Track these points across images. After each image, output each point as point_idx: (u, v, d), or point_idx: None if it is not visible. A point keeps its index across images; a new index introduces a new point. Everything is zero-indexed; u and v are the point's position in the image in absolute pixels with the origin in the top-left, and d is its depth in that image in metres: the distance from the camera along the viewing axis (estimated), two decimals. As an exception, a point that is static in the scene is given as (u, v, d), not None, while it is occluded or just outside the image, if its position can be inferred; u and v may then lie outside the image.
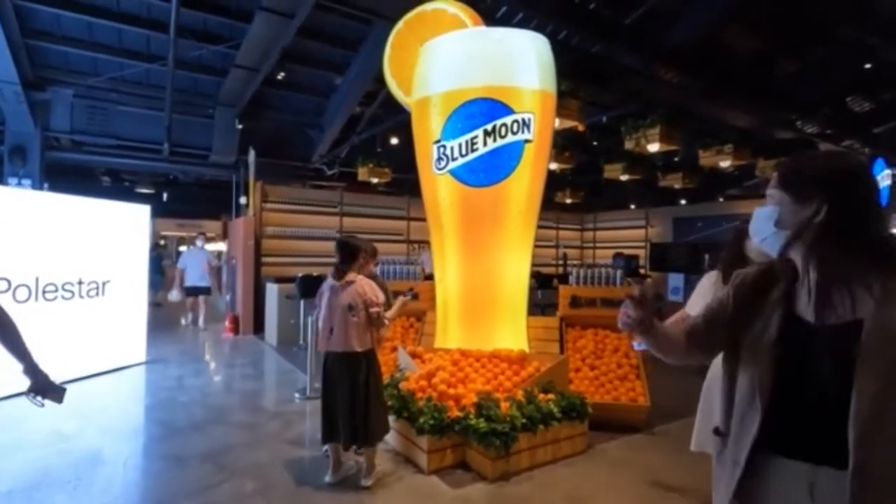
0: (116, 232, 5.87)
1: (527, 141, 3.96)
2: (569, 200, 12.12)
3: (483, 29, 4.14)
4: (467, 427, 3.15)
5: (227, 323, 8.37)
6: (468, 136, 4.03)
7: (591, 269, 4.64)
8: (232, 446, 3.62)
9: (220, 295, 11.92)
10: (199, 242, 8.87)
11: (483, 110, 4.00)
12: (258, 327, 8.45)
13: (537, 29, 4.51)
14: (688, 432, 2.57)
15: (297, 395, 4.94)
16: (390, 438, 3.62)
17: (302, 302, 7.36)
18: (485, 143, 4.00)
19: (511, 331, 4.03)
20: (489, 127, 3.98)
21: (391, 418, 3.54)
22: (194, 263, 8.55)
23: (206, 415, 4.33)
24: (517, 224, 4.00)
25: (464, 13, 4.12)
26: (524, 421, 3.20)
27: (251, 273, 8.50)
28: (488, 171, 4.01)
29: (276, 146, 9.22)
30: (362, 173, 9.09)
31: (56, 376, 1.93)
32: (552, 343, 4.36)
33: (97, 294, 5.59)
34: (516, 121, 3.95)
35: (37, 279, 4.92)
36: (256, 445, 3.65)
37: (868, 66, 7.23)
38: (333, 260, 3.18)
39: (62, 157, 8.31)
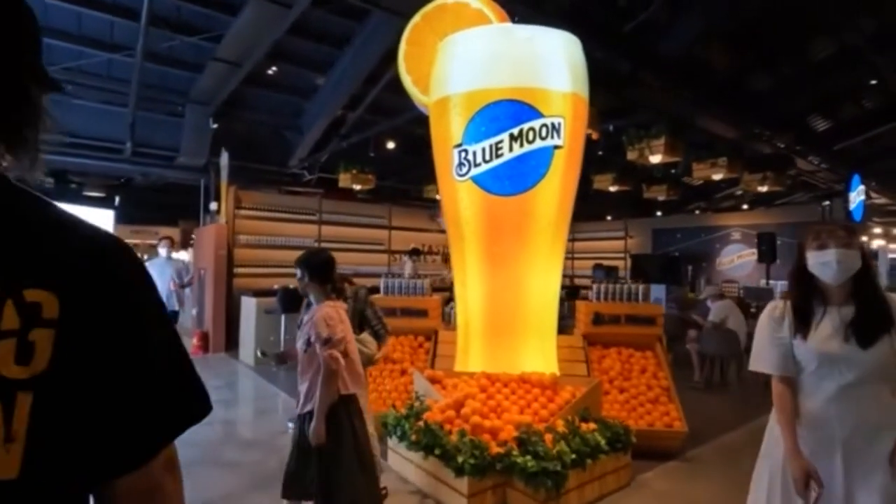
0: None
1: (556, 147, 3.67)
2: (549, 211, 11.99)
3: (509, 26, 3.85)
4: (512, 465, 2.79)
5: (194, 340, 7.64)
6: (492, 141, 3.71)
7: (614, 283, 4.40)
8: (229, 495, 3.10)
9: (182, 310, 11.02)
10: (162, 251, 7.45)
11: (509, 113, 3.69)
12: (230, 344, 7.77)
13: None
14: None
15: (289, 423, 4.40)
16: (415, 477, 3.22)
17: (283, 317, 6.80)
18: (510, 149, 3.69)
19: (539, 352, 3.70)
20: (515, 131, 3.68)
21: (417, 455, 3.15)
22: (158, 280, 7.70)
23: (188, 453, 3.73)
24: (546, 236, 3.70)
25: (488, 8, 3.82)
26: (573, 456, 2.87)
27: (223, 285, 7.82)
28: (514, 178, 3.70)
29: (249, 148, 8.59)
30: (344, 179, 8.60)
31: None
32: (577, 364, 4.06)
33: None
34: (545, 125, 3.66)
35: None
36: (259, 490, 3.14)
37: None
38: None
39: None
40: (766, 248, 8.45)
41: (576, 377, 3.77)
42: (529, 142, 3.68)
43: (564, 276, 12.43)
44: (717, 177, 7.27)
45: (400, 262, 10.30)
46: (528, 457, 2.80)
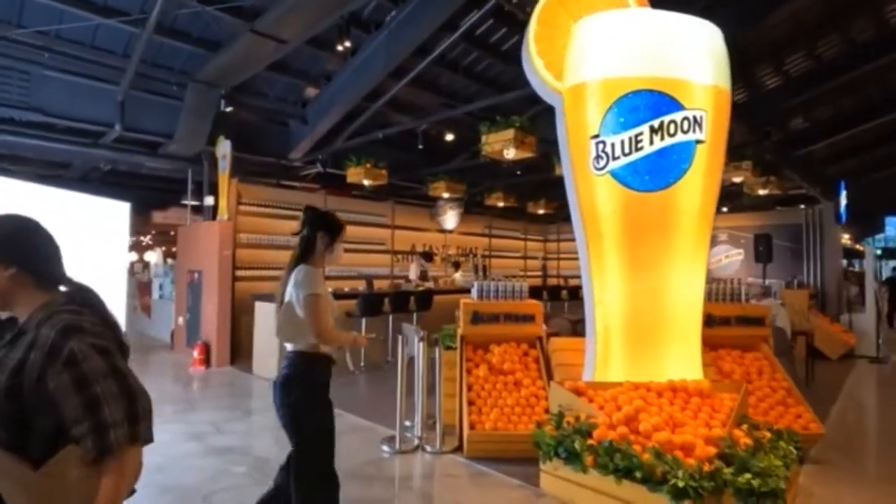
0: (90, 235, 4.26)
1: (698, 141, 3.48)
2: (542, 211, 11.99)
3: (649, 11, 3.61)
4: (736, 486, 2.54)
5: (195, 353, 6.70)
6: (632, 133, 3.47)
7: (716, 282, 4.31)
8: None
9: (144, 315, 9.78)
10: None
11: (649, 104, 3.46)
12: (235, 356, 6.91)
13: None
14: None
15: (384, 447, 3.89)
16: (595, 504, 2.88)
17: (311, 325, 6.12)
18: (651, 142, 3.46)
19: (684, 358, 3.50)
20: (656, 123, 3.46)
21: (599, 479, 2.81)
22: None
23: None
24: (689, 235, 3.50)
25: (628, -10, 3.56)
26: (787, 472, 2.68)
27: (227, 290, 6.94)
28: (655, 173, 3.47)
29: (246, 138, 7.70)
30: (354, 174, 7.95)
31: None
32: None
33: (68, 326, 3.96)
34: (686, 118, 3.47)
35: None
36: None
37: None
38: None
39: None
40: (763, 249, 8.91)
41: (718, 383, 3.60)
42: (670, 135, 3.47)
43: (561, 276, 12.48)
44: (737, 179, 7.52)
45: (408, 263, 9.79)
46: (748, 475, 2.57)
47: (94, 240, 4.28)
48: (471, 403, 3.72)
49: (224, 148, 7.20)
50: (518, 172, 9.60)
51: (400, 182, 9.80)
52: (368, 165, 7.89)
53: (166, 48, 6.34)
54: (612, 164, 3.48)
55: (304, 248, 2.27)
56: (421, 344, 4.20)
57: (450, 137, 8.80)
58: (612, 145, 3.48)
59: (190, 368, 6.61)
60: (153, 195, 10.89)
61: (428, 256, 9.49)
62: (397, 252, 9.92)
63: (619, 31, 3.52)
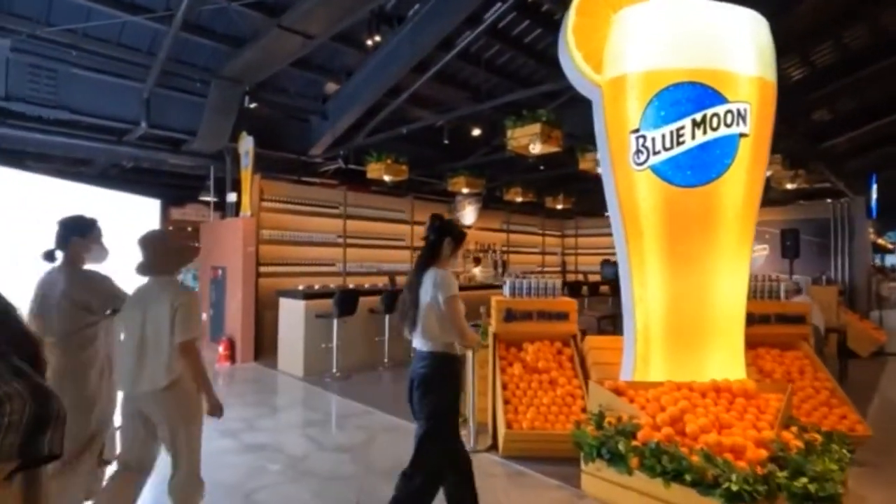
0: (123, 233, 4.27)
1: (742, 135, 3.39)
2: (560, 206, 11.88)
3: (692, 0, 3.50)
4: (791, 491, 2.47)
5: (220, 349, 6.74)
6: (673, 126, 3.38)
7: (752, 279, 4.20)
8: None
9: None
10: None
11: (691, 96, 3.37)
12: (259, 352, 6.94)
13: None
14: None
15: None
16: (641, 507, 2.82)
17: (335, 321, 6.14)
18: (693, 136, 3.37)
19: (727, 358, 3.41)
20: (698, 116, 3.36)
21: (644, 482, 2.76)
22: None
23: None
24: (732, 232, 3.41)
25: (668, -21, 3.45)
26: (842, 475, 2.60)
27: (251, 286, 6.97)
28: (697, 168, 3.38)
29: (267, 134, 7.69)
30: (374, 170, 7.91)
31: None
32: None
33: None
34: (730, 111, 3.37)
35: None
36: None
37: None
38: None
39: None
40: (791, 244, 8.73)
41: (761, 383, 3.52)
42: (713, 129, 3.37)
43: (578, 271, 12.37)
44: (767, 173, 7.35)
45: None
46: (803, 478, 2.50)
47: (126, 236, 4.29)
48: (506, 402, 3.68)
49: (247, 144, 7.20)
50: (541, 167, 9.49)
51: (419, 177, 9.75)
52: (389, 161, 7.85)
53: (190, 45, 6.33)
54: (653, 159, 3.40)
55: (431, 252, 2.45)
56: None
57: (476, 132, 8.71)
58: (653, 140, 3.40)
59: (215, 364, 6.65)
60: (171, 192, 10.95)
61: (449, 252, 9.44)
62: (416, 248, 9.87)
63: (661, 22, 3.42)
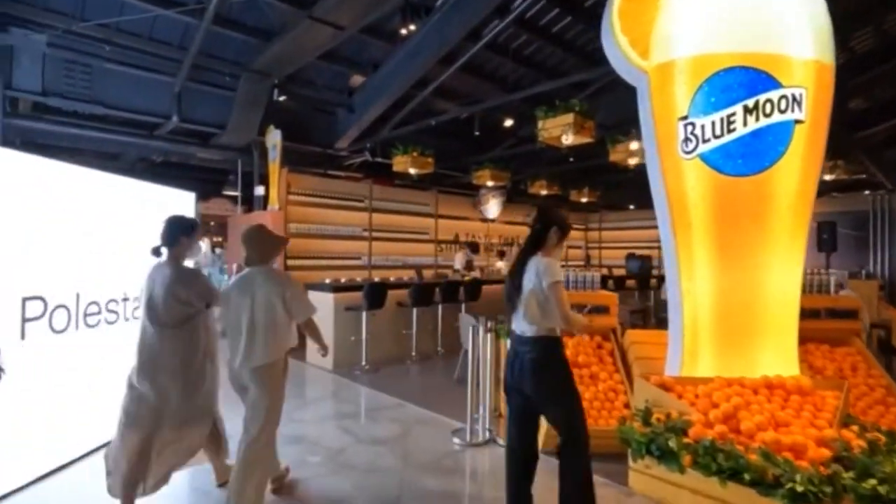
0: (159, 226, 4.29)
1: (797, 122, 3.24)
2: (585, 199, 11.71)
3: (744, -19, 3.36)
4: (858, 493, 2.36)
5: (250, 341, 6.78)
6: (724, 113, 3.25)
7: (810, 275, 4.05)
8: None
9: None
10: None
11: (743, 82, 3.23)
12: (287, 345, 6.96)
13: None
14: None
15: (455, 440, 3.82)
16: (694, 506, 2.74)
17: (364, 314, 6.13)
18: (745, 123, 3.24)
19: (779, 353, 3.29)
20: (750, 103, 3.23)
21: (699, 480, 2.67)
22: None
23: (389, 492, 3.11)
24: (785, 223, 3.28)
25: (719, -41, 3.31)
26: (914, 477, 2.48)
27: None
28: (749, 156, 3.25)
29: (294, 127, 7.70)
30: (400, 163, 7.88)
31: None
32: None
33: (142, 314, 4.01)
34: (784, 96, 3.22)
35: (77, 296, 3.33)
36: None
37: None
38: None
39: (17, 126, 6.19)
40: (828, 237, 8.45)
41: (816, 380, 3.39)
42: (766, 115, 3.23)
43: (602, 265, 12.20)
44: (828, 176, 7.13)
45: (453, 253, 9.72)
46: (872, 480, 2.38)
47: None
48: (546, 397, 3.60)
49: (274, 137, 7.22)
50: (570, 159, 9.34)
51: (443, 171, 9.69)
52: (415, 154, 7.80)
53: (220, 38, 6.36)
54: (702, 147, 3.28)
55: (537, 240, 2.51)
56: (488, 335, 4.11)
57: (503, 124, 8.60)
58: (703, 127, 3.28)
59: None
60: (195, 186, 11.07)
61: (474, 247, 9.39)
62: (441, 241, 9.84)
63: (711, 4, 3.29)
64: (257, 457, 2.54)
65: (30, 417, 2.99)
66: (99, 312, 3.52)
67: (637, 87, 3.49)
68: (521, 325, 2.47)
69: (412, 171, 8.02)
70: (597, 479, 3.18)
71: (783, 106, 3.23)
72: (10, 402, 2.85)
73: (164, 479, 2.65)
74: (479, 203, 10.52)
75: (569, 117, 5.63)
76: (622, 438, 3.01)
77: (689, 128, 3.30)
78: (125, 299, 3.79)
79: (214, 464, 2.95)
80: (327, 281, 6.90)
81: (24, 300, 2.94)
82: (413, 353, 6.68)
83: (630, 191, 13.16)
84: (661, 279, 10.24)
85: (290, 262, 7.44)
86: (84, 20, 5.66)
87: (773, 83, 3.22)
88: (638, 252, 11.79)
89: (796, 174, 3.27)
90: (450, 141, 9.21)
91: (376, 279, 7.84)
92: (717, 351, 3.30)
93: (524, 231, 11.89)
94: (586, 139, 5.91)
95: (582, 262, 12.99)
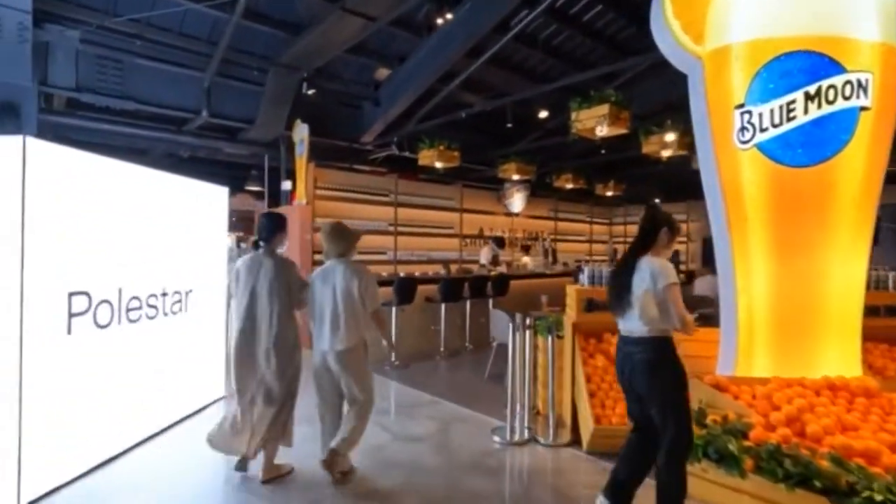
0: (195, 221, 4.30)
1: (862, 108, 3.07)
2: (610, 193, 11.49)
3: (805, -40, 3.19)
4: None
5: (279, 336, 6.80)
6: (783, 101, 3.10)
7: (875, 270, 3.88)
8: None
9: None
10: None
11: (804, 67, 3.07)
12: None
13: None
14: None
15: (495, 438, 3.75)
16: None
17: (395, 309, 6.08)
18: (805, 110, 3.07)
19: (841, 352, 3.14)
20: (812, 89, 3.06)
21: (762, 485, 2.55)
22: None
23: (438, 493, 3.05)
24: (849, 216, 3.12)
25: (780, -62, 3.14)
26: None
27: (308, 274, 6.98)
28: (810, 146, 3.09)
29: (320, 121, 7.66)
30: (426, 157, 7.80)
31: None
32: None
33: (180, 309, 4.02)
34: (849, 82, 3.05)
35: (120, 291, 3.33)
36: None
37: None
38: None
39: (51, 122, 6.25)
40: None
41: (882, 380, 3.23)
42: (829, 102, 3.07)
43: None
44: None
45: (478, 248, 9.63)
46: (958, 490, 2.24)
47: (201, 224, 4.32)
48: (591, 395, 3.51)
49: (302, 132, 7.19)
50: (602, 151, 9.14)
51: (467, 165, 9.59)
52: (442, 147, 7.70)
53: (248, 32, 6.32)
54: (760, 137, 3.13)
55: (645, 241, 2.49)
56: (527, 332, 4.03)
57: (528, 117, 8.45)
58: (760, 115, 3.13)
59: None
60: (218, 182, 11.16)
61: (500, 242, 9.28)
62: (466, 236, 9.75)
63: (770, -15, 3.12)
64: (364, 414, 2.99)
65: (76, 413, 3.00)
66: (140, 308, 3.51)
67: (689, 75, 3.34)
68: (633, 324, 2.46)
69: (438, 164, 7.92)
70: (648, 482, 3.10)
71: (847, 92, 3.06)
72: (58, 398, 2.86)
73: (260, 448, 2.96)
74: (504, 197, 10.39)
75: (604, 108, 5.48)
76: (676, 440, 2.89)
77: (746, 116, 3.15)
78: (164, 294, 3.79)
79: (267, 453, 3.00)
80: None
81: (70, 295, 2.94)
82: (441, 349, 6.62)
83: (656, 184, 12.90)
84: (691, 275, 10.01)
85: (318, 257, 7.41)
86: (116, 16, 5.67)
87: (836, 68, 3.05)
88: (665, 247, 11.55)
89: (861, 164, 3.10)
90: (474, 134, 9.09)
91: (401, 274, 7.79)
92: (774, 350, 3.16)
93: (548, 226, 11.74)
94: (621, 130, 5.75)
95: (606, 258, 12.79)
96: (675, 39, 3.27)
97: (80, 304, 3.00)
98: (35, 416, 2.70)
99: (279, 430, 3.00)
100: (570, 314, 3.93)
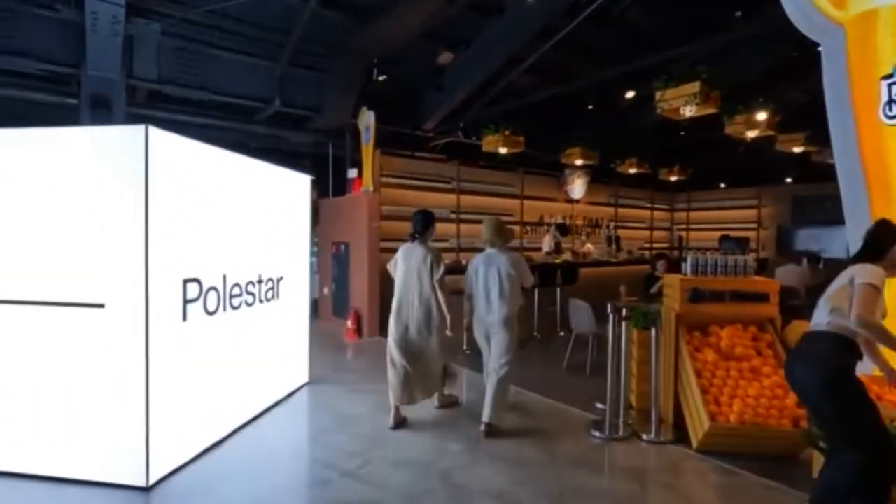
0: (285, 209, 4.33)
1: None
2: (674, 178, 10.98)
3: None
4: None
5: (348, 323, 6.88)
6: (939, 70, 2.75)
7: None
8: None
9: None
10: None
11: (966, 31, 2.72)
12: (383, 326, 7.00)
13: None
14: None
15: (595, 433, 3.62)
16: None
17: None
18: (966, 80, 2.73)
19: None
20: (974, 56, 2.71)
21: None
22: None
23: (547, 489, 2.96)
24: None
25: None
26: None
27: (376, 261, 7.00)
28: (970, 120, 2.75)
29: (383, 108, 7.61)
30: (490, 143, 7.63)
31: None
32: None
33: (273, 296, 4.07)
34: None
35: (224, 278, 3.38)
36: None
37: None
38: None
39: (134, 115, 6.47)
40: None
41: None
42: None
43: (693, 248, 11.40)
44: None
45: (540, 235, 9.43)
46: None
47: (289, 211, 4.35)
48: (704, 392, 3.31)
49: (368, 119, 7.16)
50: (682, 133, 8.71)
51: (528, 150, 9.36)
52: (507, 133, 7.52)
53: (318, 19, 6.31)
54: (910, 111, 2.81)
55: (872, 250, 2.37)
56: (624, 324, 3.84)
57: (629, 94, 8.10)
58: (911, 87, 2.80)
59: (344, 338, 6.81)
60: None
61: (563, 228, 9.05)
62: (526, 223, 9.55)
63: (928, -61, 2.77)
64: (507, 376, 3.62)
65: (187, 400, 3.07)
66: (240, 294, 3.57)
67: (823, 45, 3.04)
68: (817, 317, 2.37)
69: (502, 150, 7.74)
70: (772, 484, 2.91)
71: None
72: (174, 383, 2.93)
73: (419, 398, 3.79)
74: (565, 183, 10.10)
75: (694, 86, 5.15)
76: (810, 443, 2.68)
77: (894, 88, 2.83)
78: (260, 281, 3.84)
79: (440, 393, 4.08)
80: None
81: (185, 282, 2.99)
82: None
83: (721, 168, 12.23)
84: (763, 263, 9.45)
85: (384, 245, 7.42)
86: (195, 6, 5.76)
87: None
88: (732, 233, 10.96)
89: None
90: (536, 119, 8.83)
91: (464, 262, 7.70)
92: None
93: (609, 212, 11.37)
94: (711, 110, 5.39)
95: (667, 245, 12.29)
96: (811, 3, 2.97)
97: (192, 291, 3.05)
98: (158, 403, 2.77)
99: (433, 381, 3.85)
100: (672, 305, 3.73)
